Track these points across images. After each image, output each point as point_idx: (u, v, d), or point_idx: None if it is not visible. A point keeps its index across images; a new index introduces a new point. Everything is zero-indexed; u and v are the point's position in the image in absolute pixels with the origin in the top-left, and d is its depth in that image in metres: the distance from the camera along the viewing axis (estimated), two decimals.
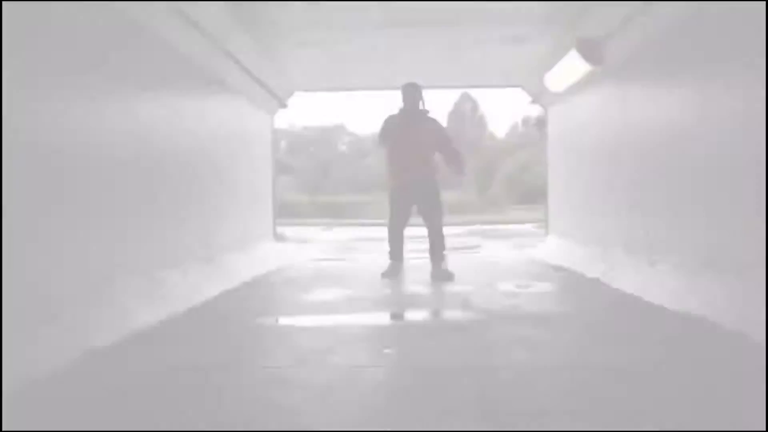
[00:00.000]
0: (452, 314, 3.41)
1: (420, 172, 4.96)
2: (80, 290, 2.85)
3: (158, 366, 2.40)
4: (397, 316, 3.45)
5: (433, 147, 5.05)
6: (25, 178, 2.52)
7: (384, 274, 4.92)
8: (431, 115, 5.16)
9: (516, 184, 40.47)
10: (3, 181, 2.34)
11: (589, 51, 5.05)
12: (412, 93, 5.00)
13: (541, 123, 8.48)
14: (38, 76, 2.62)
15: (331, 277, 5.35)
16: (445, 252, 5.07)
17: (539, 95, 7.12)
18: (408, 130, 4.93)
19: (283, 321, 3.29)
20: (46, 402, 1.97)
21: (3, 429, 1.62)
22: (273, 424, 1.72)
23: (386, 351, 2.56)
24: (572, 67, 5.45)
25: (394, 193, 5.12)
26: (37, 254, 2.56)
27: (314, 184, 53.29)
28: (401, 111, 5.03)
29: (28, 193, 2.53)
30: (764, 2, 2.63)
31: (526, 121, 39.89)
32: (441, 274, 4.84)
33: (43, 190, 2.64)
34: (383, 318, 3.40)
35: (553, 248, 6.69)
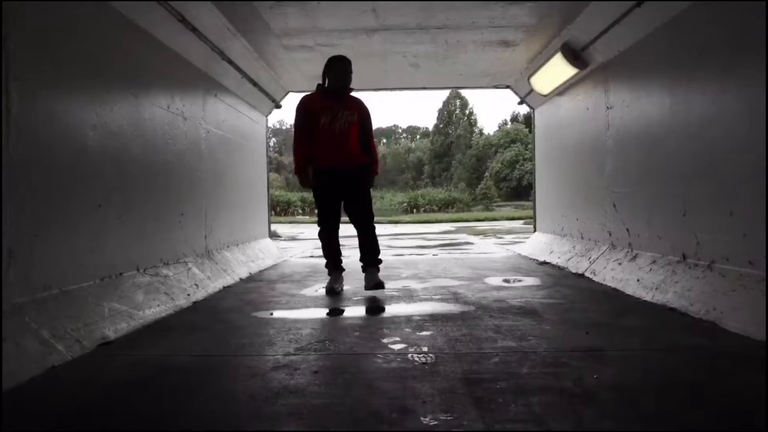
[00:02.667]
0: (443, 306, 3.59)
1: (343, 157, 4.19)
2: (93, 285, 3.01)
3: (167, 357, 2.57)
4: (390, 309, 3.60)
5: (359, 131, 4.28)
6: (41, 179, 2.68)
7: (328, 291, 4.23)
8: (356, 95, 4.41)
9: (504, 181, 40.83)
10: (20, 182, 2.50)
11: (573, 55, 5.27)
12: (346, 68, 4.23)
13: None
14: (49, 80, 2.77)
15: (324, 272, 5.49)
16: (380, 257, 4.34)
17: (526, 96, 7.32)
18: (337, 108, 4.16)
19: (282, 314, 3.45)
20: (60, 391, 2.13)
21: (3, 429, 1.72)
22: (282, 402, 1.90)
23: (383, 341, 2.75)
24: (557, 70, 5.67)
25: (318, 185, 4.24)
26: (51, 252, 2.71)
27: None
28: (326, 88, 4.25)
29: (44, 193, 2.68)
30: (764, 2, 2.79)
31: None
32: (373, 283, 4.15)
33: (55, 191, 2.79)
34: (376, 311, 3.57)
35: (539, 244, 6.90)
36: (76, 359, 2.46)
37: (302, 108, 4.22)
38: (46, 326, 2.46)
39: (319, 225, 4.37)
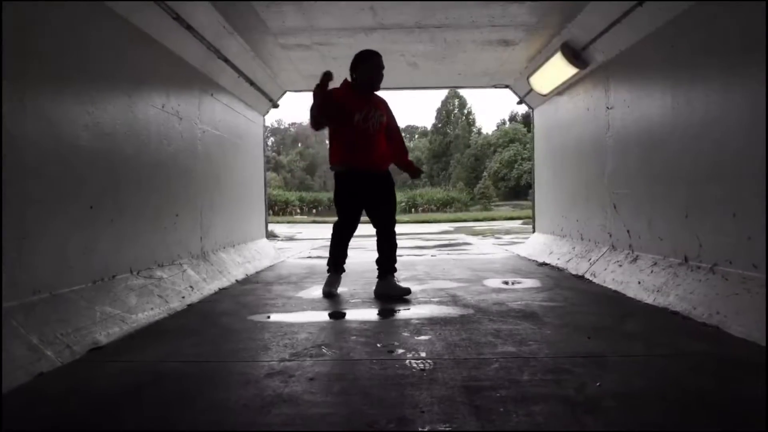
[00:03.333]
0: (442, 310, 3.53)
1: (374, 160, 4.04)
2: (84, 289, 2.95)
3: (159, 362, 2.51)
4: (387, 311, 3.55)
5: (386, 132, 4.15)
6: (30, 181, 2.61)
7: (325, 293, 4.15)
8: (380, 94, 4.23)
9: (503, 180, 40.81)
10: (9, 184, 2.44)
11: (573, 54, 5.22)
12: (380, 64, 4.03)
13: None
14: (39, 79, 2.71)
15: (321, 273, 5.44)
16: (396, 265, 4.20)
17: (526, 96, 7.27)
18: (369, 107, 4.00)
19: (278, 317, 3.39)
20: (48, 399, 2.08)
21: (3, 429, 1.69)
22: (276, 411, 1.85)
23: (378, 345, 2.69)
24: (557, 70, 5.61)
25: (344, 186, 4.09)
26: (40, 254, 2.65)
27: (302, 180, 53.30)
28: (356, 85, 4.06)
29: (33, 195, 2.62)
30: (764, 2, 2.75)
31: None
32: (391, 289, 4.06)
33: (45, 192, 2.73)
34: (374, 314, 3.51)
35: (539, 245, 6.85)
36: (65, 366, 2.39)
37: (331, 97, 3.89)
38: (34, 331, 2.40)
39: (336, 225, 4.27)
